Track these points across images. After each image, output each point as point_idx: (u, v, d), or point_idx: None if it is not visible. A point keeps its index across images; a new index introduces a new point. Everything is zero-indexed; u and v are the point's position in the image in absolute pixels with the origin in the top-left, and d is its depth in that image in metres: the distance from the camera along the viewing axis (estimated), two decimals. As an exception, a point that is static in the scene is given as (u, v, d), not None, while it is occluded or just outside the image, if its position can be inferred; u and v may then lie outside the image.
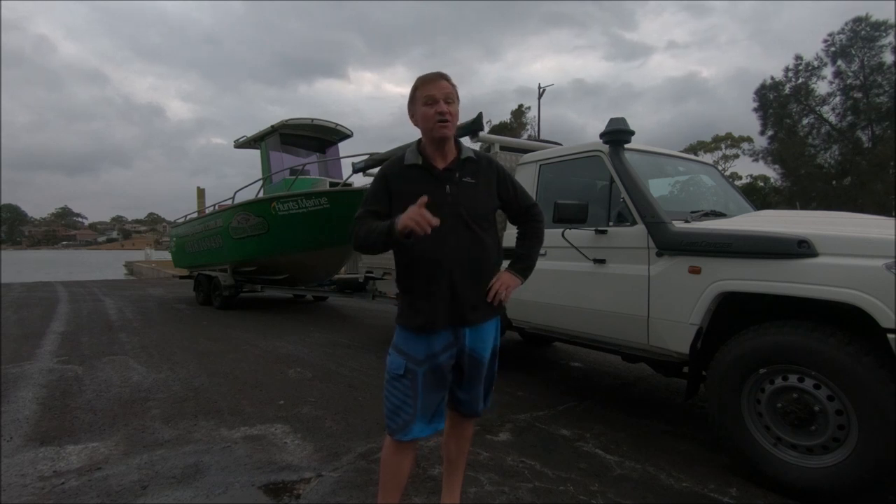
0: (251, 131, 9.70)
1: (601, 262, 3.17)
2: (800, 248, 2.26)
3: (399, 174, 1.70)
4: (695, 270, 2.64)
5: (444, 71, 1.70)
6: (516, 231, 1.94)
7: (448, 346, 1.67)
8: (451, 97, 1.66)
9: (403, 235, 1.51)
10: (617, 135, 3.25)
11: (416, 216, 1.46)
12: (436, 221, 1.48)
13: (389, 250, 1.67)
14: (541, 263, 3.60)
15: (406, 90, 1.73)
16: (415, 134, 1.78)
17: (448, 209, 1.64)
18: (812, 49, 25.72)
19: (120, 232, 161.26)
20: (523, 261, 1.84)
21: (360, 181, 7.09)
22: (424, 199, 1.49)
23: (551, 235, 3.47)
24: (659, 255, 2.84)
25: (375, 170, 5.70)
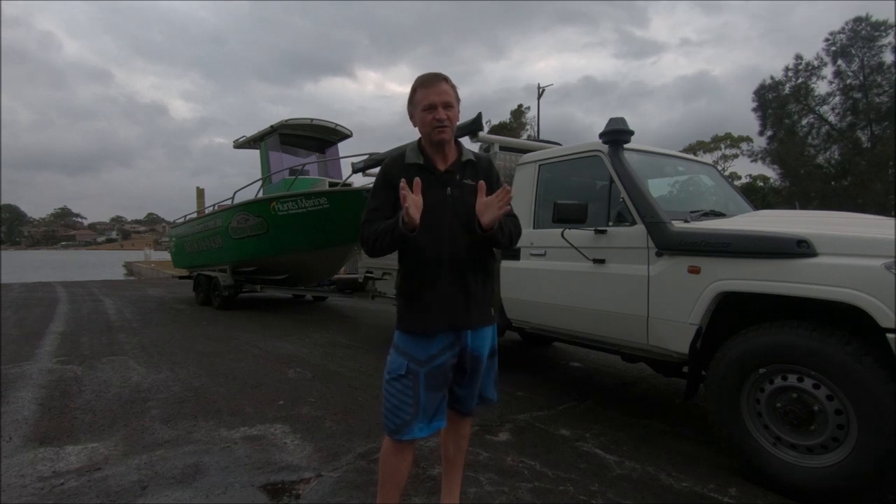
0: (256, 130, 9.73)
1: (601, 262, 3.17)
2: (799, 248, 2.26)
3: (401, 173, 1.69)
4: (694, 270, 2.64)
5: (449, 70, 1.69)
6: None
7: (449, 346, 1.67)
8: (451, 101, 1.66)
9: (409, 229, 1.54)
10: (616, 135, 3.25)
11: (408, 203, 1.51)
12: (415, 188, 1.55)
13: (396, 249, 1.68)
14: (540, 263, 3.64)
15: (409, 90, 1.73)
16: (417, 133, 1.79)
17: (449, 211, 1.66)
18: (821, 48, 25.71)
19: (119, 232, 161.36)
20: (503, 219, 1.68)
21: (360, 181, 7.10)
22: (417, 181, 1.55)
23: (551, 235, 3.49)
24: (658, 254, 2.84)
25: (375, 170, 5.71)
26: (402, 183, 1.53)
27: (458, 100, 1.71)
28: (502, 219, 1.67)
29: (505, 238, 1.70)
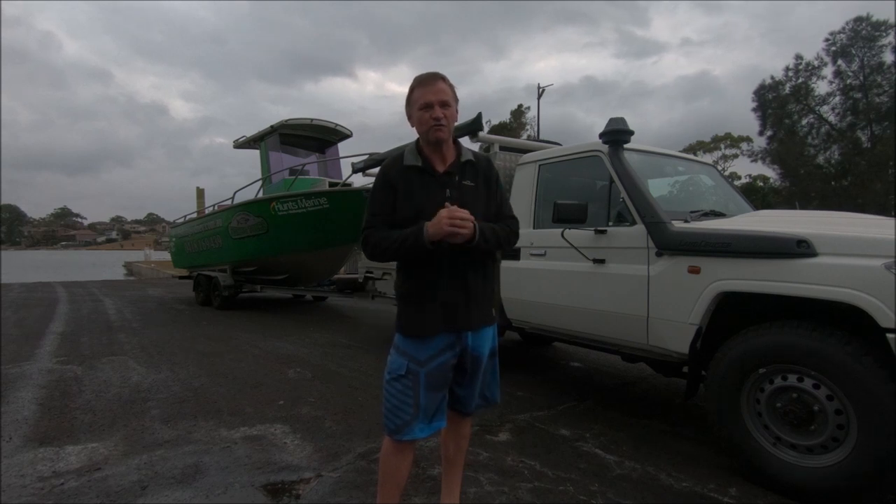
0: (256, 130, 9.73)
1: (601, 262, 3.17)
2: (799, 248, 2.26)
3: (399, 175, 1.69)
4: (694, 270, 2.64)
5: (449, 70, 1.68)
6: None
7: (450, 346, 1.67)
8: (448, 100, 1.65)
9: (431, 243, 1.54)
10: (616, 135, 3.25)
11: (450, 223, 1.51)
12: (467, 213, 1.53)
13: (411, 258, 1.67)
14: (541, 263, 3.64)
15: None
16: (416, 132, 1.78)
17: None
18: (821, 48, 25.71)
19: (119, 232, 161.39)
20: (489, 227, 1.66)
21: (360, 181, 7.10)
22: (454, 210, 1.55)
23: (551, 235, 3.49)
24: (658, 254, 2.84)
25: (375, 170, 5.71)
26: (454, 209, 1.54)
27: (455, 99, 1.70)
28: (489, 228, 1.66)
29: (492, 245, 1.67)
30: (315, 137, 9.82)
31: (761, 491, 2.32)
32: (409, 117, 1.72)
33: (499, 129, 34.57)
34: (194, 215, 11.11)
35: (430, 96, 1.63)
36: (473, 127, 4.24)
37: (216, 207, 10.15)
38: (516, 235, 1.81)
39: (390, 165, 1.73)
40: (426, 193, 1.66)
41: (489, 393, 1.85)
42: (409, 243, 1.58)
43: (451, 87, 1.69)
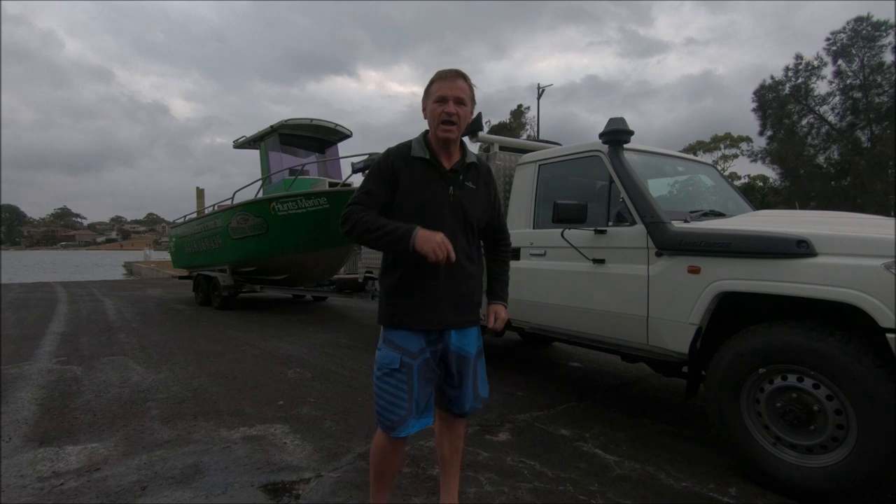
0: (258, 130, 9.73)
1: (600, 261, 3.17)
2: (799, 248, 2.26)
3: (405, 164, 1.68)
4: (694, 270, 2.64)
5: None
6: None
7: (433, 341, 1.68)
8: (463, 98, 1.64)
9: (414, 250, 1.54)
10: (616, 135, 3.25)
11: (439, 249, 1.51)
12: (453, 257, 1.55)
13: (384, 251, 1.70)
14: (540, 263, 3.64)
15: (411, 89, 1.74)
16: (419, 132, 1.78)
17: (449, 211, 1.65)
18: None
19: (119, 232, 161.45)
20: (504, 287, 1.91)
21: (360, 181, 7.10)
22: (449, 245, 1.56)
23: (551, 235, 3.49)
24: (658, 254, 2.84)
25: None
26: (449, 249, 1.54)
27: (473, 101, 1.70)
28: (503, 285, 1.89)
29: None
30: (315, 137, 9.82)
31: (761, 491, 2.32)
32: (423, 109, 1.71)
33: (498, 129, 34.59)
34: (194, 215, 11.11)
35: (446, 90, 1.62)
36: (473, 127, 4.23)
37: (216, 208, 10.15)
38: (510, 248, 2.00)
39: (396, 153, 1.71)
40: (430, 187, 1.66)
41: (482, 392, 1.85)
42: (391, 238, 1.57)
43: (471, 87, 1.68)
